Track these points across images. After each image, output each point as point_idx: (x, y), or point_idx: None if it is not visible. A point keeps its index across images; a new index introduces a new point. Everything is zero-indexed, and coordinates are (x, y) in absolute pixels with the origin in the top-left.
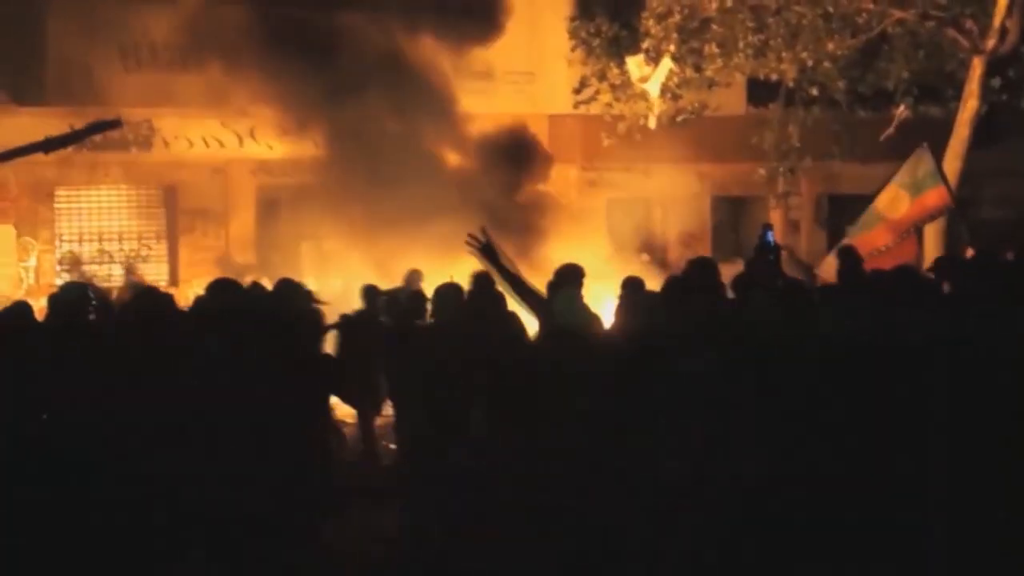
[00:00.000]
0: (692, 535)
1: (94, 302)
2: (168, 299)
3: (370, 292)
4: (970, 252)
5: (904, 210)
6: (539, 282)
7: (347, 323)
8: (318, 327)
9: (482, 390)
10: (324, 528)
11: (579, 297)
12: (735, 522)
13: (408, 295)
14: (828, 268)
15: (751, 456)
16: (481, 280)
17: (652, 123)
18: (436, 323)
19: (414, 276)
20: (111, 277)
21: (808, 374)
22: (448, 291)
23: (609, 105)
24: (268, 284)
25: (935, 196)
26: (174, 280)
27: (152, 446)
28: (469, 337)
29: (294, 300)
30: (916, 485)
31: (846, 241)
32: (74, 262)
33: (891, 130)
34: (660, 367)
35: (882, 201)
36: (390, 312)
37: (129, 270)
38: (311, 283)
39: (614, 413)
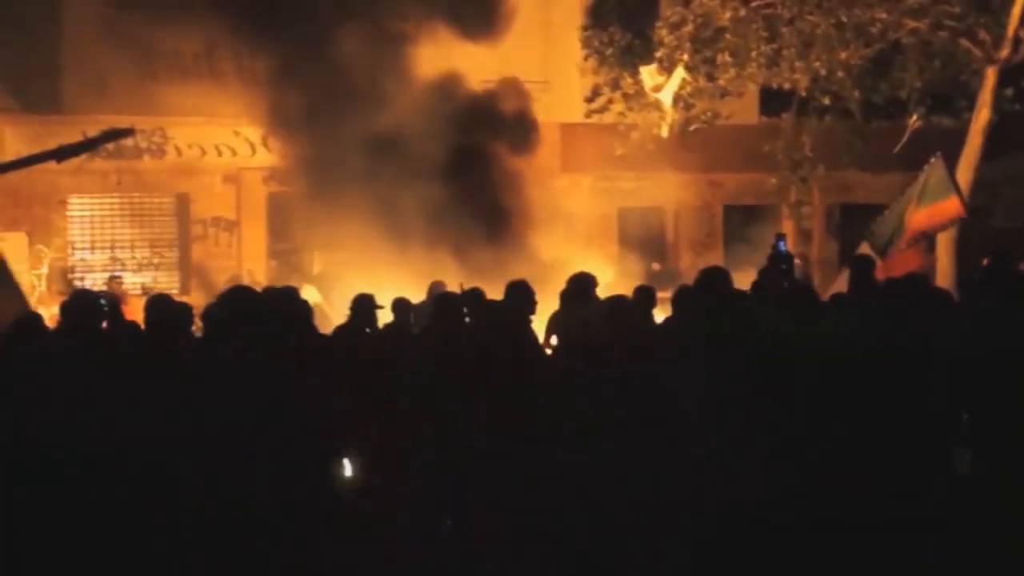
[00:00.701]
0: (692, 538)
1: (106, 309)
2: (183, 308)
3: (399, 305)
4: (985, 261)
5: (915, 218)
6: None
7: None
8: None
9: (483, 391)
10: (326, 530)
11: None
12: (736, 525)
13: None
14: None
15: (751, 460)
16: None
17: (665, 132)
18: (437, 328)
19: (437, 286)
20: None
21: (809, 376)
22: (447, 300)
23: (622, 114)
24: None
25: (948, 206)
26: (185, 288)
27: (160, 450)
28: (472, 339)
29: (294, 304)
30: (918, 488)
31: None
32: (65, 279)
33: (904, 140)
34: (665, 373)
35: (906, 215)
36: (419, 324)
37: (110, 283)
38: (311, 293)
39: (615, 418)
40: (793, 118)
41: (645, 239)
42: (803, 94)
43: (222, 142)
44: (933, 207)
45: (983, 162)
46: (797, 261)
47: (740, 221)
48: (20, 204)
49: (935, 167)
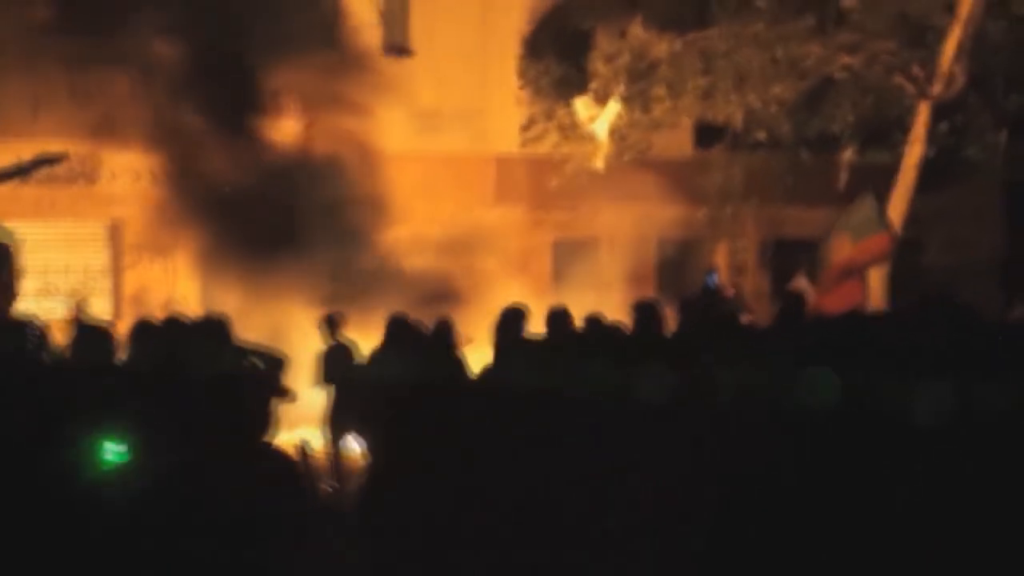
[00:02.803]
0: None
1: (35, 336)
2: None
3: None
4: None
5: (846, 253)
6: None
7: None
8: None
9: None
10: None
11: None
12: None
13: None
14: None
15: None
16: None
17: (599, 164)
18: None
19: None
20: (54, 311)
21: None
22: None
23: (557, 145)
24: None
25: (878, 242)
26: (117, 315)
27: (87, 487)
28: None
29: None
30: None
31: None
32: None
33: (841, 175)
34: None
35: (829, 247)
36: None
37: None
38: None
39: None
40: (726, 151)
41: (579, 270)
42: (737, 128)
43: (157, 167)
44: (863, 242)
45: (917, 197)
46: (732, 290)
47: (674, 253)
48: None
49: (864, 203)
